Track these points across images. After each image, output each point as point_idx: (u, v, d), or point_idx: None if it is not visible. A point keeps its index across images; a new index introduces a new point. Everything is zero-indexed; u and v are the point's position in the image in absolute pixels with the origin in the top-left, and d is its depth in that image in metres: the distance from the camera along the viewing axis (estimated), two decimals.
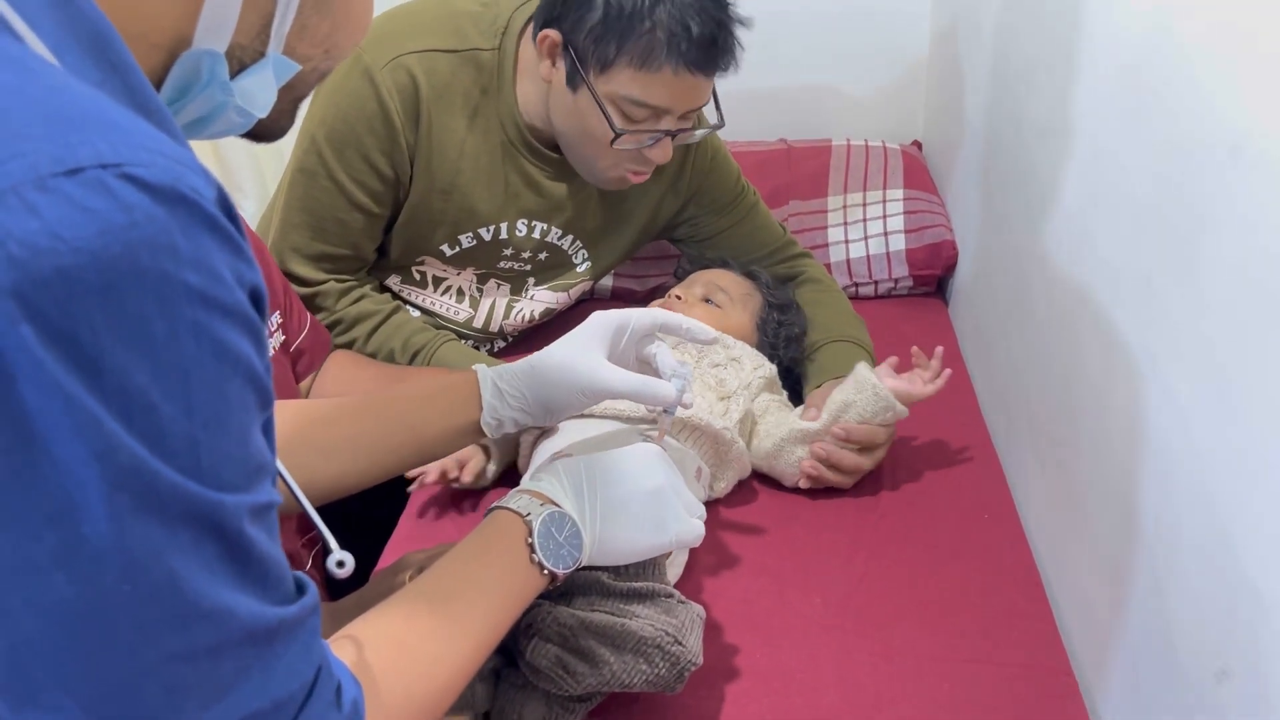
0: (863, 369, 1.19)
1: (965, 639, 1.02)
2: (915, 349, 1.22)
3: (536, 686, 0.87)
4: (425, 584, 0.73)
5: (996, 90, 1.48)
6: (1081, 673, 0.99)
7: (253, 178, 1.81)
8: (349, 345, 1.34)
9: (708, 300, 1.33)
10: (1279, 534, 0.67)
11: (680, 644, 0.86)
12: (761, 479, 1.25)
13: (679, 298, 1.33)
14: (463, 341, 1.40)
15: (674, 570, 1.06)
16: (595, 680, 0.85)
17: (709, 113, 1.29)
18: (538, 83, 1.26)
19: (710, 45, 1.17)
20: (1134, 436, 0.91)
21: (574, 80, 1.20)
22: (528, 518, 0.79)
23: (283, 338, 1.19)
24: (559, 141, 1.30)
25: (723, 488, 1.21)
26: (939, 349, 1.23)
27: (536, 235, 1.38)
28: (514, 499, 0.83)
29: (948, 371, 1.21)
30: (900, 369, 1.22)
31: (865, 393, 1.17)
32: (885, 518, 1.19)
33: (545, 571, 0.78)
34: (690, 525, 0.89)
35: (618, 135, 1.20)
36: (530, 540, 0.78)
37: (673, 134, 1.23)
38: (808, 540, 1.16)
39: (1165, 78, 0.87)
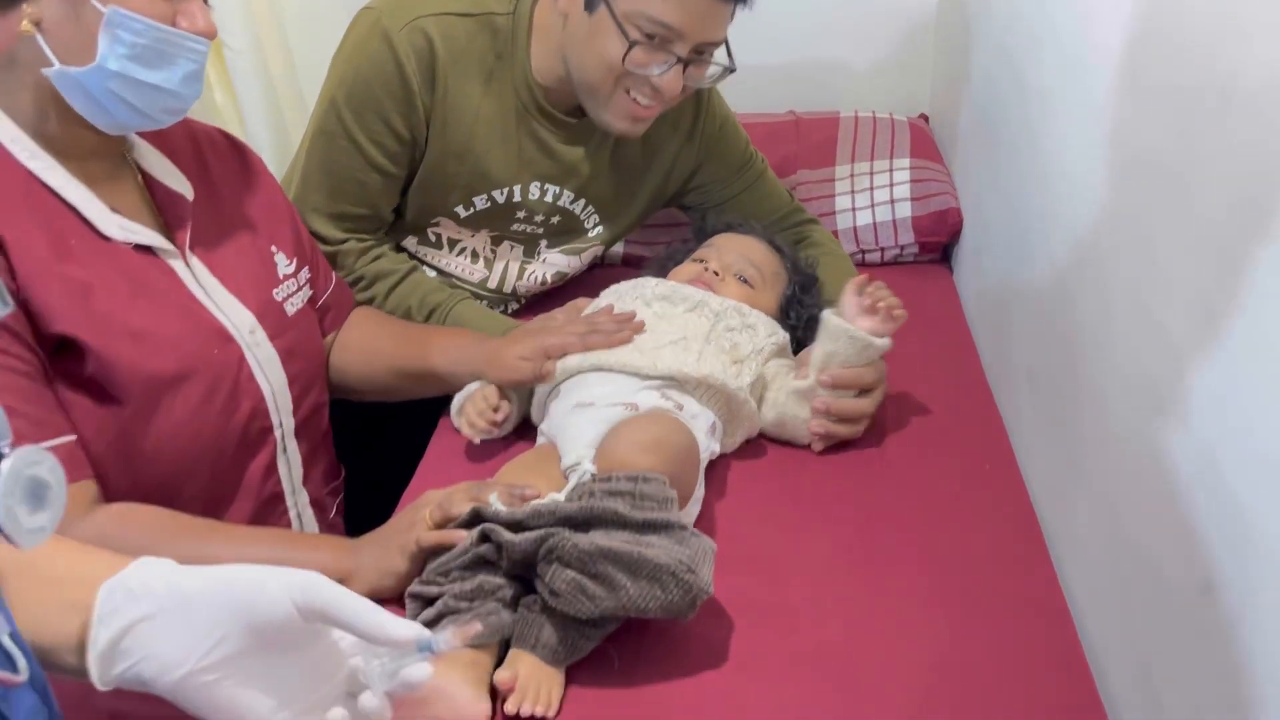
0: (830, 318, 1.20)
1: (965, 577, 1.05)
2: (854, 279, 1.22)
3: (554, 612, 0.91)
4: None
5: (1001, 58, 1.51)
6: (1075, 604, 1.03)
7: (271, 137, 1.85)
8: (368, 302, 1.37)
9: (742, 278, 1.33)
10: (1261, 451, 0.71)
11: (693, 572, 0.90)
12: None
13: (717, 273, 1.32)
14: (479, 301, 1.43)
15: (692, 509, 1.10)
16: (612, 603, 0.89)
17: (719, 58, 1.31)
18: (552, 44, 1.29)
19: None
20: (1129, 381, 0.94)
21: (591, 2, 1.22)
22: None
23: (310, 292, 1.23)
24: (573, 82, 1.30)
25: (731, 443, 1.25)
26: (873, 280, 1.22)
27: (549, 199, 1.41)
28: None
29: (877, 284, 1.21)
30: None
31: (840, 340, 1.19)
32: (890, 468, 1.23)
33: None
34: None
35: (631, 46, 1.20)
36: None
37: (684, 62, 1.24)
38: (814, 489, 1.20)
39: (1162, 27, 0.90)
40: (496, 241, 1.45)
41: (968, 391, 1.39)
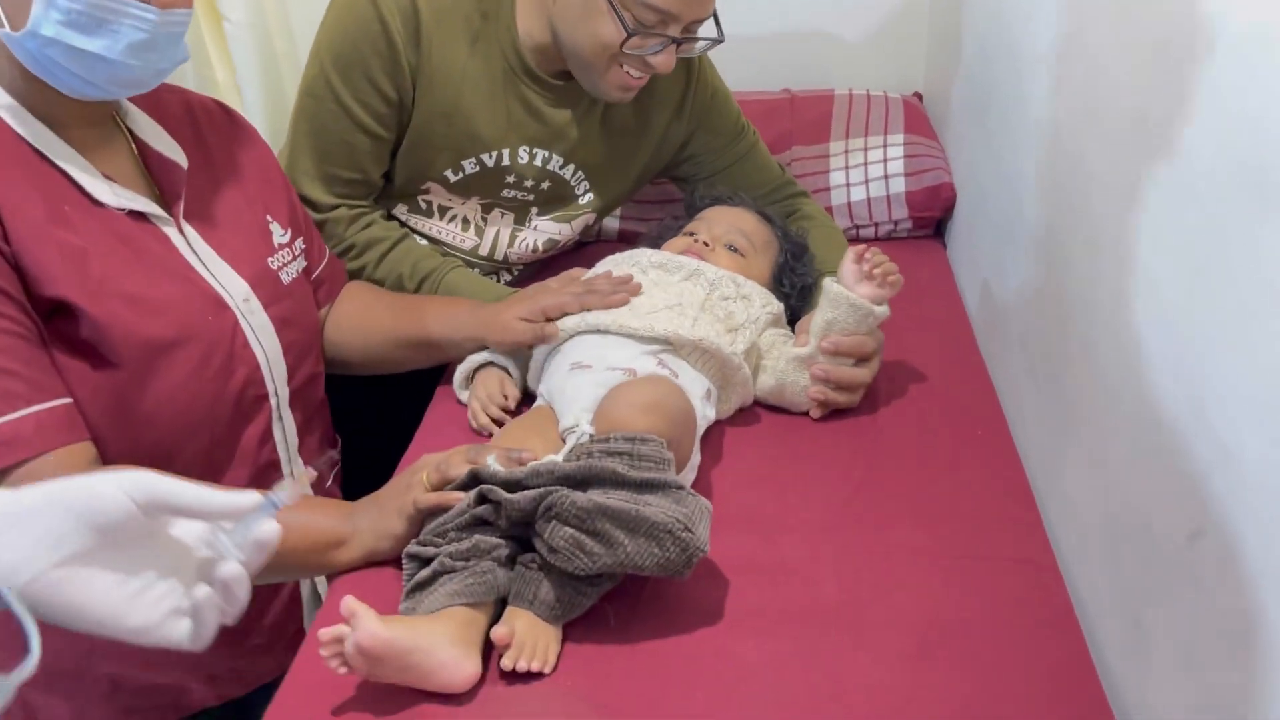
0: (831, 285, 1.22)
1: (957, 537, 1.07)
2: (854, 247, 1.23)
3: (552, 569, 0.92)
4: None
5: (995, 29, 1.52)
6: (1065, 564, 1.04)
7: (270, 114, 1.85)
8: (359, 271, 1.38)
9: (731, 248, 1.34)
10: (1248, 396, 0.72)
11: (690, 530, 0.91)
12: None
13: (706, 244, 1.33)
14: (471, 269, 1.44)
15: (688, 475, 1.10)
16: (610, 560, 0.90)
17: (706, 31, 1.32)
18: (538, 7, 1.29)
19: None
20: (1119, 337, 0.95)
21: None
22: None
23: (305, 263, 1.23)
24: (563, 51, 1.31)
25: (726, 410, 1.25)
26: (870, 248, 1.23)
27: (538, 163, 1.41)
28: None
29: (874, 251, 1.21)
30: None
31: (841, 307, 1.20)
32: (883, 432, 1.24)
33: None
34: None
35: (629, 36, 1.22)
36: None
37: (678, 41, 1.26)
38: (808, 453, 1.21)
39: None
40: (487, 209, 1.45)
41: (961, 361, 1.40)
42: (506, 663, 0.88)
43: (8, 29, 0.91)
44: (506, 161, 1.39)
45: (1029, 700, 0.88)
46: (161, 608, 0.69)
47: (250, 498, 0.70)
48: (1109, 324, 0.97)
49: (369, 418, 1.39)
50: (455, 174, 1.39)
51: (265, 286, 1.13)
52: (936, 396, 1.31)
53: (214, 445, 1.09)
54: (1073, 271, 1.10)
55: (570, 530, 0.90)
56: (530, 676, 0.90)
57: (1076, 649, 0.93)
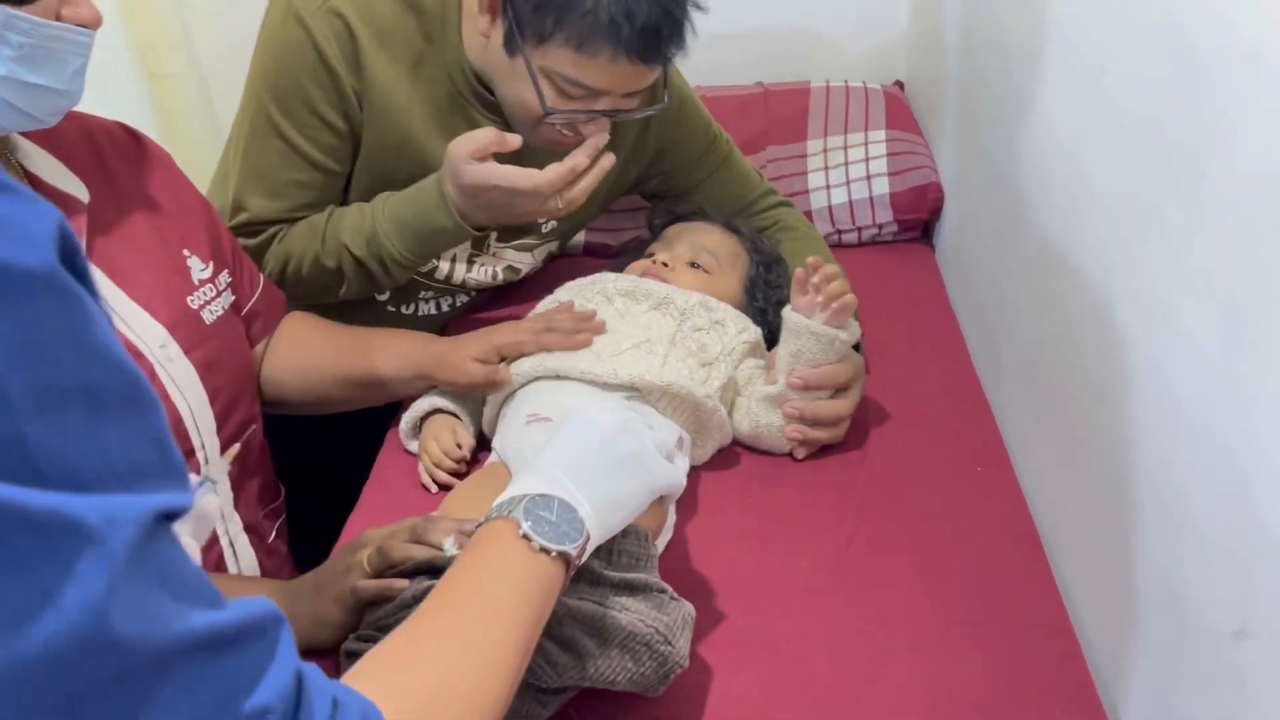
0: (790, 314, 1.11)
1: (960, 599, 0.97)
2: (798, 272, 1.11)
3: None
4: (432, 617, 0.66)
5: (981, 16, 1.40)
6: (1083, 631, 0.94)
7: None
8: (314, 266, 1.25)
9: (694, 265, 1.24)
10: None
11: (670, 644, 0.81)
12: None
13: (665, 264, 1.23)
14: (428, 291, 1.34)
15: (663, 539, 1.00)
16: (576, 674, 0.80)
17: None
18: (480, 35, 1.18)
19: (654, 35, 1.07)
20: (1137, 377, 0.85)
21: (510, 46, 1.12)
22: (510, 515, 0.72)
23: (233, 298, 1.12)
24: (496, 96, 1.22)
25: (702, 455, 1.15)
26: (812, 261, 1.11)
27: None
28: (488, 514, 0.75)
29: (821, 271, 1.10)
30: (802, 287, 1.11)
31: (803, 337, 1.10)
32: (874, 474, 1.13)
33: (554, 555, 0.70)
34: (670, 469, 0.82)
35: (548, 113, 1.12)
36: (522, 532, 0.70)
37: (611, 114, 1.15)
38: (793, 500, 1.11)
39: None
40: None
41: (955, 382, 1.29)
42: None
43: None
44: None
45: None
46: None
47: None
48: (1126, 371, 0.86)
49: (316, 458, 1.28)
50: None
51: (185, 329, 1.03)
52: (930, 427, 1.21)
53: None
54: (1078, 300, 0.99)
55: None
56: None
57: None
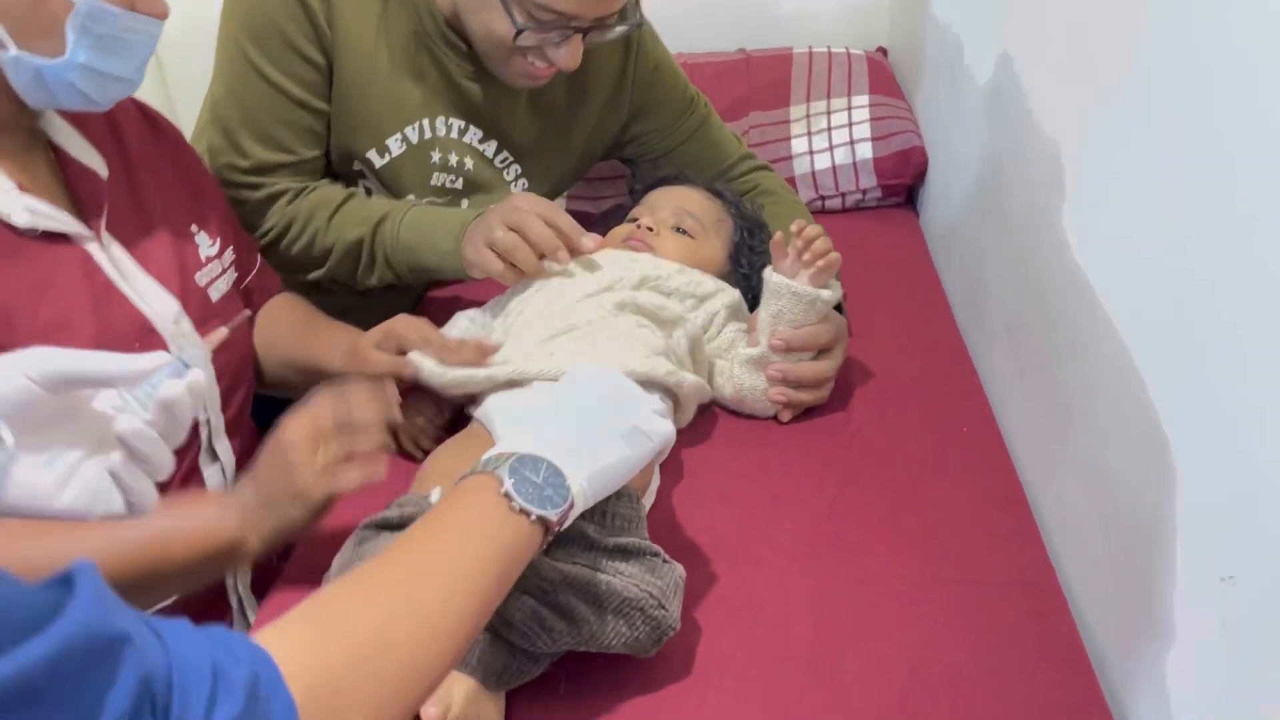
0: (770, 275, 1.10)
1: (946, 559, 0.96)
2: (778, 234, 1.10)
3: (500, 634, 0.80)
4: (388, 565, 0.63)
5: None
6: (1069, 587, 0.93)
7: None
8: (309, 244, 1.23)
9: (679, 230, 1.22)
10: None
11: (664, 608, 0.81)
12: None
13: (650, 229, 1.20)
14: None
15: (648, 500, 0.99)
16: (571, 639, 0.79)
17: None
18: None
19: None
20: (1124, 330, 0.84)
21: None
22: (494, 472, 0.70)
23: (235, 275, 1.11)
24: (466, 31, 1.19)
25: (684, 418, 1.13)
26: (796, 225, 1.10)
27: (455, 135, 1.28)
28: (473, 467, 0.73)
29: (805, 230, 1.08)
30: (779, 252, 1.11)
31: (784, 297, 1.08)
32: (858, 436, 1.12)
33: (534, 518, 0.68)
34: (662, 425, 0.80)
35: (519, 32, 1.10)
36: (504, 490, 0.68)
37: (584, 31, 1.13)
38: (776, 462, 1.09)
39: None
40: None
41: (939, 345, 1.28)
42: None
43: (15, 51, 0.84)
44: (429, 134, 1.25)
45: None
46: (92, 485, 0.68)
47: (156, 357, 0.70)
48: (1112, 325, 0.85)
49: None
50: (382, 156, 1.25)
51: (195, 305, 1.01)
52: (916, 388, 1.19)
53: None
54: (1060, 252, 0.98)
55: (531, 601, 0.79)
56: None
57: (1088, 691, 0.82)
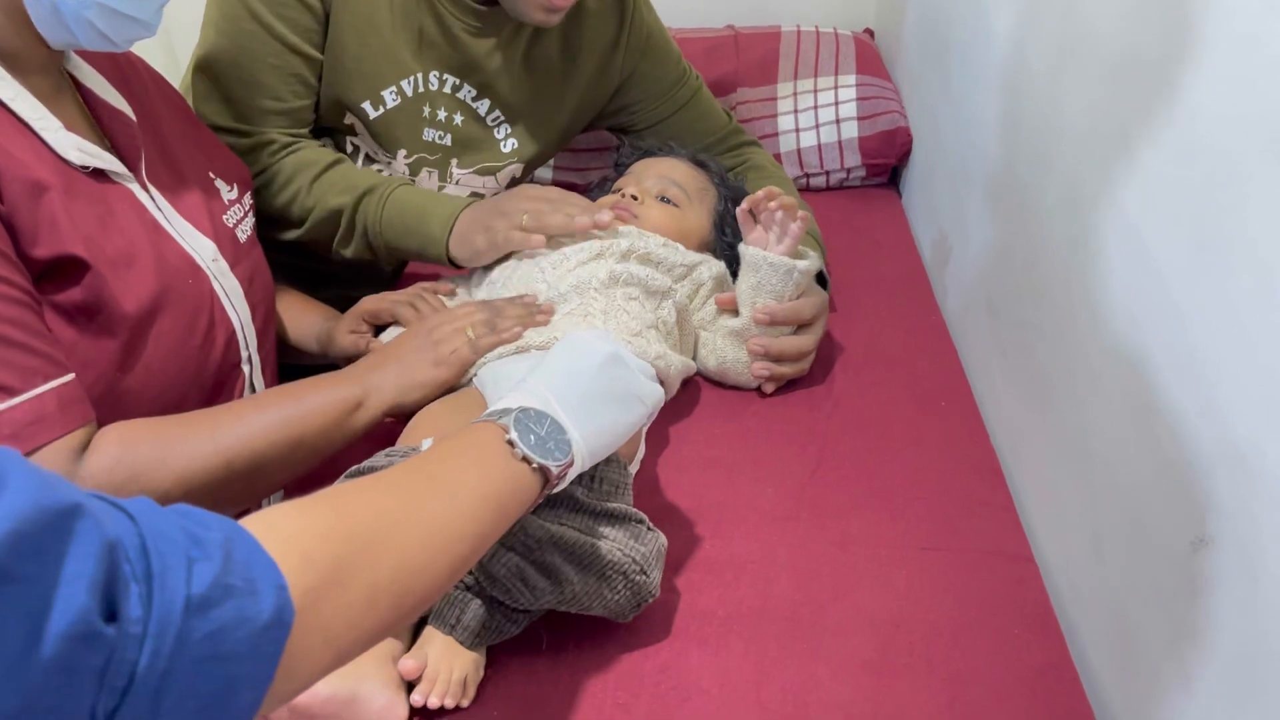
0: (746, 248, 1.11)
1: (922, 526, 0.98)
2: (742, 206, 1.12)
3: (483, 590, 0.81)
4: (391, 479, 0.63)
5: None
6: (1042, 557, 0.95)
7: None
8: (289, 203, 1.22)
9: (664, 198, 1.22)
10: (1267, 389, 0.62)
11: (645, 574, 0.82)
12: None
13: (634, 197, 1.21)
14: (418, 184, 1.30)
15: (633, 466, 1.00)
16: (553, 598, 0.80)
17: None
18: None
19: None
20: (1105, 308, 0.86)
21: None
22: (500, 420, 0.70)
23: (254, 220, 1.11)
24: None
25: (667, 395, 1.14)
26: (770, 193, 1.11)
27: (448, 91, 1.27)
28: (478, 418, 0.74)
29: (779, 200, 1.09)
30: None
31: (762, 269, 1.10)
32: (839, 406, 1.14)
33: (535, 467, 0.69)
34: (654, 390, 0.82)
35: None
36: (508, 438, 0.69)
37: None
38: (758, 431, 1.11)
39: None
40: (414, 170, 1.31)
41: (920, 322, 1.30)
42: (417, 698, 0.77)
43: None
44: (422, 88, 1.25)
45: (1005, 713, 0.79)
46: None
47: None
48: (1088, 294, 0.87)
49: None
50: (376, 108, 1.24)
51: (227, 245, 1.03)
52: (896, 363, 1.21)
53: None
54: (1045, 230, 1.00)
55: (516, 558, 0.79)
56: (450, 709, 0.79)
57: (1057, 654, 0.84)
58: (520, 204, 1.13)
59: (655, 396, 0.81)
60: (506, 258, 1.15)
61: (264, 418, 0.92)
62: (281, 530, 0.51)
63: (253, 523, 0.51)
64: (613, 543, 0.82)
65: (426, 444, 0.85)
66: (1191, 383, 0.71)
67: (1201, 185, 0.71)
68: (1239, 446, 0.64)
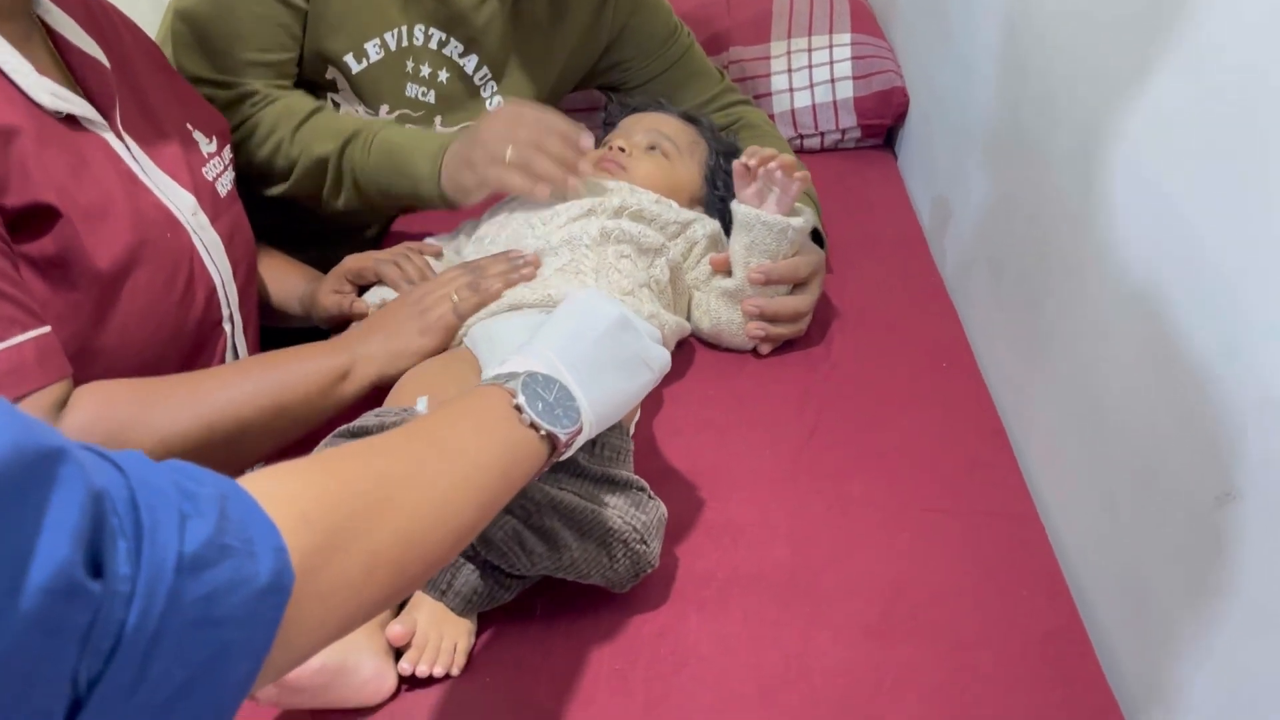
0: (738, 206, 1.08)
1: (924, 488, 0.95)
2: (736, 164, 1.08)
3: (476, 555, 0.78)
4: (403, 439, 0.60)
5: None
6: (1049, 519, 0.92)
7: None
8: (272, 154, 1.17)
9: (653, 148, 1.19)
10: None
11: (645, 543, 0.79)
12: None
13: (622, 149, 1.17)
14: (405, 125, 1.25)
15: (630, 429, 0.97)
16: (550, 564, 0.77)
17: None
18: None
19: None
20: (1119, 257, 0.83)
21: None
22: (507, 385, 0.67)
23: (234, 175, 1.07)
24: None
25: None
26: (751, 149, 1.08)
27: (434, 47, 1.23)
28: (483, 380, 0.70)
29: (772, 158, 1.06)
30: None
31: (755, 228, 1.06)
32: (837, 368, 1.11)
33: (543, 433, 0.66)
34: (659, 352, 0.78)
35: None
36: (515, 403, 0.65)
37: None
38: (755, 393, 1.08)
39: None
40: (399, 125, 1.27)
41: (918, 282, 1.27)
42: (405, 666, 0.74)
43: None
44: (406, 42, 1.21)
45: (1013, 678, 0.77)
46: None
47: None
48: (1099, 244, 0.84)
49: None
50: (359, 61, 1.20)
51: (206, 199, 0.99)
52: (894, 324, 1.18)
53: None
54: (1052, 180, 0.97)
55: (514, 521, 0.76)
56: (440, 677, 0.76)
57: (1066, 616, 0.82)
58: (498, 129, 1.07)
59: (662, 361, 0.78)
60: (496, 213, 1.11)
61: (248, 382, 0.89)
62: (277, 491, 0.47)
63: (246, 483, 0.47)
64: (614, 510, 0.79)
65: (421, 404, 0.82)
66: (1216, 329, 0.68)
67: (1222, 123, 0.67)
68: (1270, 392, 0.61)
